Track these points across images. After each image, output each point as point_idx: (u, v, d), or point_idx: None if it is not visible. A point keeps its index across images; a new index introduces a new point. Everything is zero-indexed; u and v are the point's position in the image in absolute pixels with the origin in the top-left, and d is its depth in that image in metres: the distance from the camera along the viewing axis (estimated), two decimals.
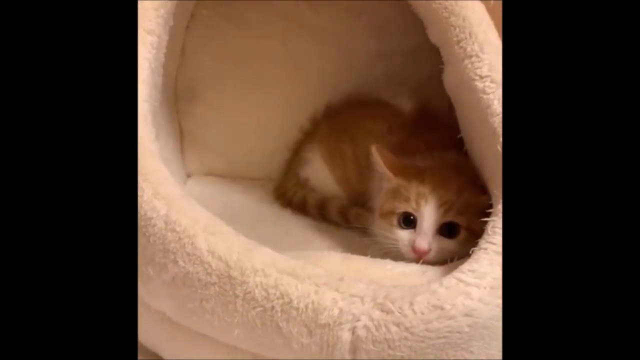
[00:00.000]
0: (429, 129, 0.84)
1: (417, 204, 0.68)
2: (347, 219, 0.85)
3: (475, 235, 0.59)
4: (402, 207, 0.69)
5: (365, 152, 0.81)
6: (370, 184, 0.82)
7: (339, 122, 0.94)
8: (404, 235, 0.69)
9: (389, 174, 0.72)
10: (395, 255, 0.67)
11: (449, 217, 0.67)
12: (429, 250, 0.66)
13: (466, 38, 0.67)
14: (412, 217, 0.69)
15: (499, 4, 0.93)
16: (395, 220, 0.70)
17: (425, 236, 0.67)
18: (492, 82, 0.64)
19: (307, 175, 0.94)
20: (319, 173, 0.93)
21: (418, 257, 0.66)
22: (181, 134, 1.01)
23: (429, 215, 0.67)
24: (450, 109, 0.78)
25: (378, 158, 0.72)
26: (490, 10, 0.72)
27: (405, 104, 0.91)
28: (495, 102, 0.62)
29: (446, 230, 0.68)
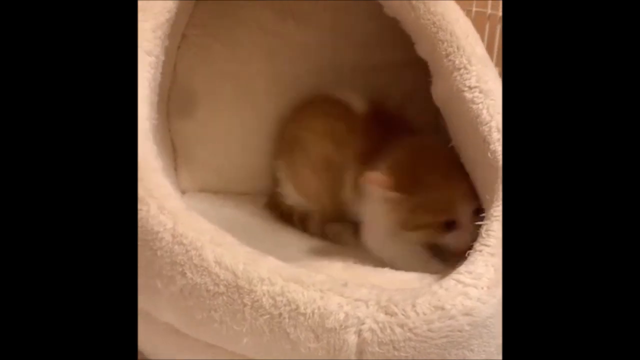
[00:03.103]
0: (386, 128, 0.84)
1: (455, 209, 0.72)
2: (325, 235, 0.86)
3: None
4: (442, 217, 0.73)
5: (321, 156, 0.83)
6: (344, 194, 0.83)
7: (289, 130, 0.93)
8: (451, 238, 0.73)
9: (402, 197, 0.73)
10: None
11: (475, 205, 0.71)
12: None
13: (454, 51, 0.70)
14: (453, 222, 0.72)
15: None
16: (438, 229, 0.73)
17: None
18: (480, 92, 0.67)
19: (282, 192, 0.95)
20: (288, 190, 0.93)
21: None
22: (174, 151, 1.02)
23: (466, 214, 0.71)
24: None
25: (378, 188, 0.73)
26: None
27: (358, 104, 0.89)
28: (484, 111, 0.65)
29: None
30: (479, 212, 0.66)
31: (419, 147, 0.78)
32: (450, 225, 0.73)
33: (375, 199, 0.76)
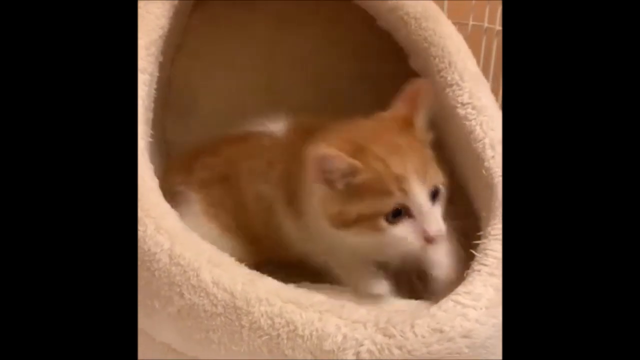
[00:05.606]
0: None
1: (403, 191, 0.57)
2: None
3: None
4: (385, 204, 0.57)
5: (256, 195, 0.72)
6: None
7: (215, 169, 0.77)
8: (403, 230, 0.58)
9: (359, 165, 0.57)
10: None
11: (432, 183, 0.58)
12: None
13: (446, 67, 0.70)
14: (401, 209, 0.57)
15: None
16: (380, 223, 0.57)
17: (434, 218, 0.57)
18: (473, 108, 0.67)
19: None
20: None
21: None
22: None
23: (420, 198, 0.57)
24: None
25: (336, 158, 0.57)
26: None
27: (278, 127, 0.78)
28: (478, 128, 0.65)
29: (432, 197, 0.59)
30: (436, 195, 0.58)
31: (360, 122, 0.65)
32: (397, 215, 0.57)
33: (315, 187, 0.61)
